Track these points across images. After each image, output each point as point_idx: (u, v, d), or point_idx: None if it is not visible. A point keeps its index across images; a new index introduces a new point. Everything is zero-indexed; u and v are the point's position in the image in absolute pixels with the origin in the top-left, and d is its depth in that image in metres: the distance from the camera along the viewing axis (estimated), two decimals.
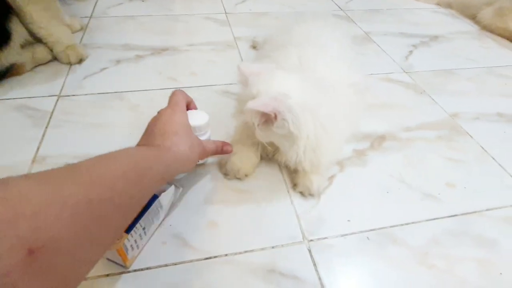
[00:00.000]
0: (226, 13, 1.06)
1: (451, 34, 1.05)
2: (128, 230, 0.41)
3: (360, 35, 1.00)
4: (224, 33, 0.96)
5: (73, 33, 0.85)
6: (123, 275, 0.42)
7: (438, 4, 1.24)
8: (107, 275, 0.42)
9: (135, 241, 0.42)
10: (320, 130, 0.49)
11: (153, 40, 0.89)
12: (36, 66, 0.75)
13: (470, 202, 0.55)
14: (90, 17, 0.98)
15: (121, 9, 1.04)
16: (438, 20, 1.13)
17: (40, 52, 0.76)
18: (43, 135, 0.60)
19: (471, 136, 0.68)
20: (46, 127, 0.62)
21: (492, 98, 0.79)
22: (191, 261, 0.44)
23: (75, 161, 0.31)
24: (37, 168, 0.55)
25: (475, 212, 0.54)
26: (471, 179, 0.59)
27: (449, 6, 1.22)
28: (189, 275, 0.43)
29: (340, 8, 1.15)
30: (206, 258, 0.45)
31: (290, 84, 0.49)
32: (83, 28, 0.91)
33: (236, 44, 0.91)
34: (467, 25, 1.12)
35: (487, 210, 0.54)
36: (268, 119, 0.45)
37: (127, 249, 0.41)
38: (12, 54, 0.69)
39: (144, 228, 0.43)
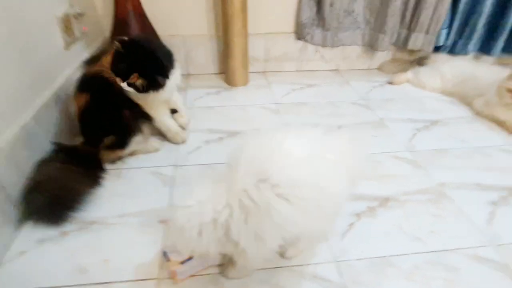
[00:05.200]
0: (276, 103, 1.46)
1: (449, 119, 1.37)
2: (183, 263, 0.70)
3: (376, 121, 1.35)
4: (275, 119, 1.34)
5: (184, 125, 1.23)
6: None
7: (442, 93, 1.57)
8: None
9: (183, 271, 0.71)
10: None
11: (228, 125, 1.29)
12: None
13: (446, 243, 0.84)
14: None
15: (203, 101, 1.47)
16: (440, 107, 1.46)
17: (150, 146, 1.15)
18: (171, 192, 0.98)
19: (453, 200, 0.98)
20: (172, 186, 1.00)
21: (474, 172, 1.09)
22: None
23: None
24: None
25: (447, 250, 0.83)
26: (448, 229, 0.89)
27: (451, 94, 1.55)
28: None
29: (361, 97, 1.53)
30: None
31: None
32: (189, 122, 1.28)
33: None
34: (464, 111, 1.44)
35: (456, 249, 0.83)
36: None
37: (177, 273, 0.71)
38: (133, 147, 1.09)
39: (191, 267, 0.72)
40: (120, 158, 1.10)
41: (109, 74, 0.97)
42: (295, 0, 1.58)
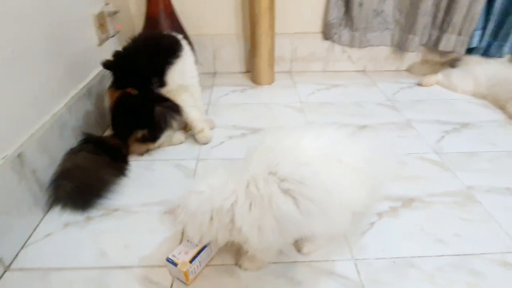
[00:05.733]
0: (301, 102, 1.46)
1: (480, 122, 1.32)
2: (191, 261, 0.69)
3: (402, 121, 1.32)
4: (299, 118, 1.34)
5: (210, 129, 1.22)
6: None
7: (473, 95, 1.51)
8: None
9: (194, 269, 0.70)
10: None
11: (252, 122, 1.30)
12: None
13: (470, 247, 0.81)
14: (208, 104, 1.44)
15: (228, 98, 1.49)
16: (471, 110, 1.41)
17: (175, 138, 1.18)
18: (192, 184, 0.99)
19: (481, 203, 0.94)
20: (193, 177, 1.02)
21: (506, 176, 1.04)
22: None
23: None
24: None
25: (472, 254, 0.79)
26: (474, 233, 0.85)
27: (483, 97, 1.49)
28: None
29: (388, 98, 1.49)
30: None
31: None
32: (214, 127, 1.27)
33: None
34: (496, 115, 1.38)
35: (481, 254, 0.79)
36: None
37: (189, 273, 0.69)
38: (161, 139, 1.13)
39: (200, 262, 0.72)
40: (149, 151, 1.13)
41: None
42: (323, 0, 1.57)
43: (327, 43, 1.68)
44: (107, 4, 1.32)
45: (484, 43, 1.60)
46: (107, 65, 1.03)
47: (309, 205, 0.58)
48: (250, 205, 0.60)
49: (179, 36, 1.10)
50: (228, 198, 0.60)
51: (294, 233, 0.63)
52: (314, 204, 0.59)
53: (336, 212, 0.63)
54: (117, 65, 1.04)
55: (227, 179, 0.63)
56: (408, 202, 0.94)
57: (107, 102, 1.10)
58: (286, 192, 0.59)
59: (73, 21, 1.10)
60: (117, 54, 1.04)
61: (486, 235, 0.85)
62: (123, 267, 0.76)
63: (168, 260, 0.70)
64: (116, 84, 1.06)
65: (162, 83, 1.06)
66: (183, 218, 0.64)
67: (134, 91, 1.05)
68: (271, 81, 1.63)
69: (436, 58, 1.73)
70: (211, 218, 0.63)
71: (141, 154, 1.13)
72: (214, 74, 1.73)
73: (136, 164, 1.08)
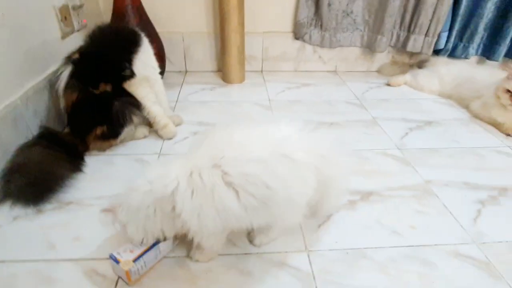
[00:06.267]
0: (269, 100, 1.46)
1: (444, 120, 1.34)
2: (135, 260, 0.65)
3: (369, 119, 1.33)
4: (266, 115, 1.34)
5: (176, 126, 1.21)
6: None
7: (439, 95, 1.55)
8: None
9: (137, 269, 0.66)
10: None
11: (218, 119, 1.29)
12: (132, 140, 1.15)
13: (425, 238, 0.81)
14: (176, 101, 1.43)
15: (197, 96, 1.48)
16: (436, 109, 1.44)
17: (139, 132, 1.16)
18: None
19: (438, 197, 0.95)
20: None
21: (464, 171, 1.06)
22: None
23: None
24: None
25: (425, 245, 0.80)
26: (429, 225, 0.86)
27: (448, 97, 1.52)
28: None
29: (357, 97, 1.51)
30: None
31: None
32: (182, 123, 1.26)
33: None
34: (460, 113, 1.41)
35: (434, 245, 0.80)
36: None
37: (131, 273, 0.65)
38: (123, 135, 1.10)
39: (145, 262, 0.68)
40: (111, 146, 1.11)
41: None
42: (293, 0, 1.59)
43: (298, 43, 1.69)
44: None
45: (450, 45, 1.64)
46: (75, 61, 1.00)
47: (250, 199, 0.59)
48: (192, 192, 0.59)
49: (136, 28, 1.10)
50: (169, 185, 0.59)
51: (235, 224, 0.62)
52: (254, 199, 0.59)
53: (280, 207, 0.63)
54: (86, 60, 1.00)
55: (169, 169, 0.61)
56: (366, 195, 0.94)
57: (62, 103, 1.05)
58: (229, 185, 0.59)
59: (33, 12, 1.07)
60: (82, 50, 1.02)
61: (441, 227, 0.85)
62: (70, 260, 0.73)
63: (111, 256, 0.67)
64: (86, 81, 1.02)
65: (132, 73, 1.05)
66: (124, 217, 0.62)
67: (106, 87, 1.03)
68: (241, 79, 1.63)
69: (405, 59, 1.76)
70: (155, 211, 0.61)
71: (104, 150, 1.10)
72: (185, 72, 1.71)
73: (96, 159, 1.05)
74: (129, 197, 0.62)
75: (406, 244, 0.80)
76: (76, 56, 1.01)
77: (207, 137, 0.66)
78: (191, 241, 0.68)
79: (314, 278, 0.71)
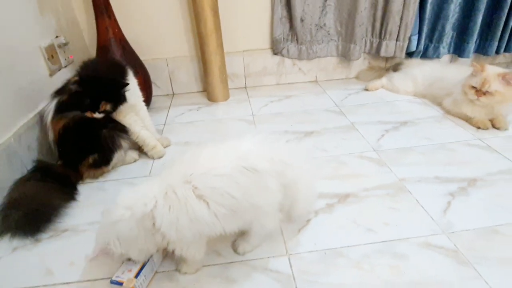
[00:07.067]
0: (253, 115, 1.53)
1: (418, 119, 1.41)
2: (136, 276, 0.72)
3: (347, 125, 1.40)
4: (250, 130, 1.41)
5: (164, 147, 1.29)
6: None
7: (414, 95, 1.61)
8: None
9: (140, 283, 0.73)
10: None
11: (204, 137, 1.36)
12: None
13: (397, 233, 0.87)
14: (164, 124, 1.50)
15: (183, 117, 1.55)
16: (412, 109, 1.50)
17: (129, 157, 1.23)
18: None
19: (410, 193, 1.01)
20: None
21: (436, 166, 1.12)
22: None
23: None
24: None
25: (398, 239, 0.85)
26: (402, 220, 0.91)
27: (423, 96, 1.59)
28: None
29: (336, 105, 1.58)
30: None
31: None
32: (170, 145, 1.33)
33: None
34: (434, 111, 1.47)
35: (406, 238, 0.86)
36: None
37: None
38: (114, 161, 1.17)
39: (145, 276, 0.75)
40: (103, 173, 1.17)
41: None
42: (268, 18, 1.67)
43: (278, 58, 1.77)
44: (57, 37, 1.38)
45: (422, 46, 1.72)
46: (79, 80, 1.04)
47: (219, 208, 0.66)
48: (169, 208, 0.65)
49: (120, 60, 1.18)
50: (148, 204, 0.65)
51: (208, 231, 0.68)
52: (223, 207, 0.66)
53: (249, 212, 0.71)
54: (86, 80, 1.05)
55: (146, 189, 0.68)
56: (343, 198, 1.00)
57: (50, 136, 1.12)
58: (200, 197, 0.66)
59: (21, 54, 1.16)
60: (80, 73, 1.08)
61: (413, 221, 0.91)
62: (67, 283, 0.79)
63: (113, 282, 0.73)
64: (85, 102, 1.06)
65: (125, 98, 1.12)
66: (123, 249, 0.68)
67: (107, 106, 1.08)
68: (226, 97, 1.70)
69: (381, 64, 1.84)
70: (138, 230, 0.68)
71: (98, 177, 1.17)
72: (173, 95, 1.79)
73: (88, 187, 1.12)
74: (115, 229, 0.67)
75: (379, 240, 0.86)
76: (76, 78, 1.05)
77: (178, 158, 0.73)
78: (173, 253, 0.74)
79: (294, 279, 0.77)
